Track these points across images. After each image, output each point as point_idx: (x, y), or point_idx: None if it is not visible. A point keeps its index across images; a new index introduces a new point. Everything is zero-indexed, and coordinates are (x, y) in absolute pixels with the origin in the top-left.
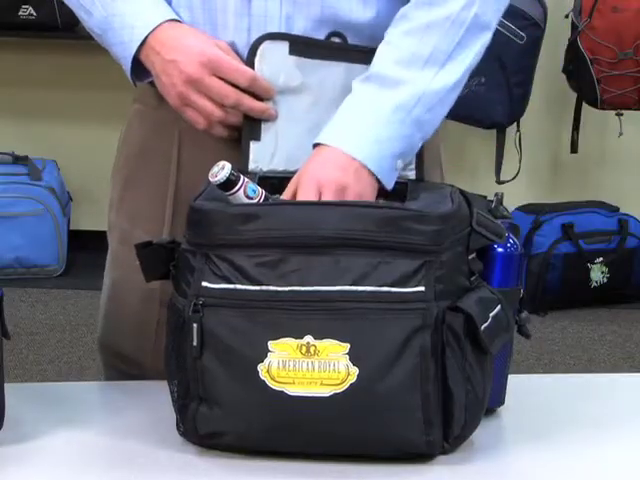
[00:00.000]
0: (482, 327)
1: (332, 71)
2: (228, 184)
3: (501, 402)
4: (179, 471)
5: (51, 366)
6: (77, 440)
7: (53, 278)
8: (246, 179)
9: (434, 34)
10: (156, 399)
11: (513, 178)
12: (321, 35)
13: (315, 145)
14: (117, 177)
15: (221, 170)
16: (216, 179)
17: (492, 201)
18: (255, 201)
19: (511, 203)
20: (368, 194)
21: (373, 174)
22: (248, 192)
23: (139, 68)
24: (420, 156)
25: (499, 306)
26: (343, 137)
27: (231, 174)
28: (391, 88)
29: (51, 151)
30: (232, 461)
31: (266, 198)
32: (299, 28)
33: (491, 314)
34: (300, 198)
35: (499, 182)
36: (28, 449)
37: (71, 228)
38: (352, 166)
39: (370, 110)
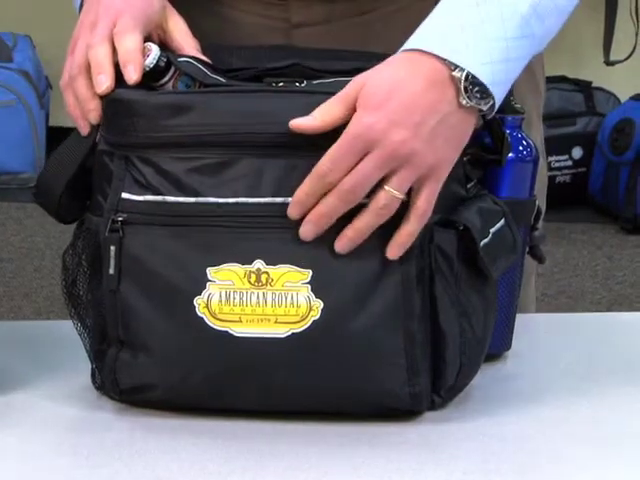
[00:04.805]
0: (481, 244)
1: None
2: (154, 73)
3: (507, 346)
4: (92, 434)
5: (27, 301)
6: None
7: (28, 189)
8: (180, 70)
9: None
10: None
11: (627, 58)
12: None
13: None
14: None
15: (146, 55)
16: None
17: None
18: None
19: (623, 91)
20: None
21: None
22: (178, 86)
23: None
24: None
25: (503, 220)
26: (453, 47)
27: (160, 59)
28: None
29: (24, 24)
30: (160, 422)
31: None
32: None
33: (492, 229)
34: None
35: (608, 63)
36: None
37: (50, 124)
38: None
39: (491, 19)
